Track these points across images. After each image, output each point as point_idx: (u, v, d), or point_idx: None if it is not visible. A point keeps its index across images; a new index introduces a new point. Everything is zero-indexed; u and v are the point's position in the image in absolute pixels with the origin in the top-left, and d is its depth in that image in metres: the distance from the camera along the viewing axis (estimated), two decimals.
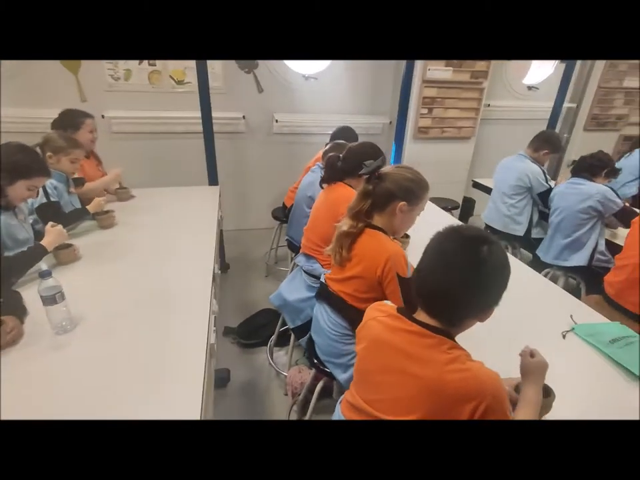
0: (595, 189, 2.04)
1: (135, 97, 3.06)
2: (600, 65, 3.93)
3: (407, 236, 1.76)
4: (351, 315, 1.21)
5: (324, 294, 1.32)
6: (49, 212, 1.75)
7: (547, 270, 2.36)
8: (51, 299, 1.13)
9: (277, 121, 3.27)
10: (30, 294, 1.27)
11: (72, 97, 2.91)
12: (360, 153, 1.46)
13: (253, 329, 2.28)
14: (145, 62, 3.01)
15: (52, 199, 1.80)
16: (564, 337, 1.29)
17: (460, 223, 1.72)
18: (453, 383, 0.72)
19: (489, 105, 3.67)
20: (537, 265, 2.39)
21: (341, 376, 1.25)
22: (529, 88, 3.91)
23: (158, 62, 3.02)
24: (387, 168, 1.21)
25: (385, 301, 0.94)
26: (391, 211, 1.18)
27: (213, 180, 2.70)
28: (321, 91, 3.36)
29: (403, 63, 2.95)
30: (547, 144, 2.41)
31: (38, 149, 1.80)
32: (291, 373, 1.87)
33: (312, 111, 3.40)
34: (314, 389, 1.47)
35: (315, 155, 2.44)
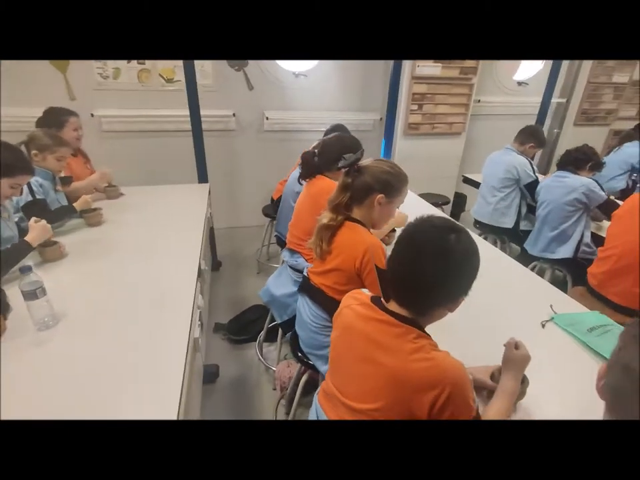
0: (579, 182, 2.06)
1: (125, 95, 3.06)
2: (589, 60, 3.95)
3: (394, 230, 1.77)
4: (332, 307, 1.21)
5: (306, 287, 1.33)
6: (35, 210, 1.75)
7: (534, 263, 2.38)
8: (31, 294, 1.14)
9: (267, 118, 3.28)
10: (15, 291, 1.27)
11: (61, 95, 2.91)
12: (338, 147, 1.48)
13: (243, 325, 2.29)
14: (134, 60, 3.01)
15: (38, 197, 1.81)
16: (543, 326, 1.31)
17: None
18: (416, 372, 0.73)
19: (479, 100, 3.69)
20: (525, 258, 2.41)
21: (323, 368, 1.26)
22: (519, 84, 3.93)
23: (147, 60, 3.02)
24: (366, 161, 1.22)
25: (363, 289, 0.94)
26: (369, 204, 1.19)
27: (202, 177, 2.71)
28: (311, 88, 3.36)
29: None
30: (532, 137, 2.44)
31: (23, 147, 1.81)
32: (279, 367, 1.88)
33: (302, 108, 3.40)
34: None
35: None
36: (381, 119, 3.54)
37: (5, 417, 0.86)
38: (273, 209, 2.68)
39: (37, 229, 1.53)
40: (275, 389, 1.89)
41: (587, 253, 2.10)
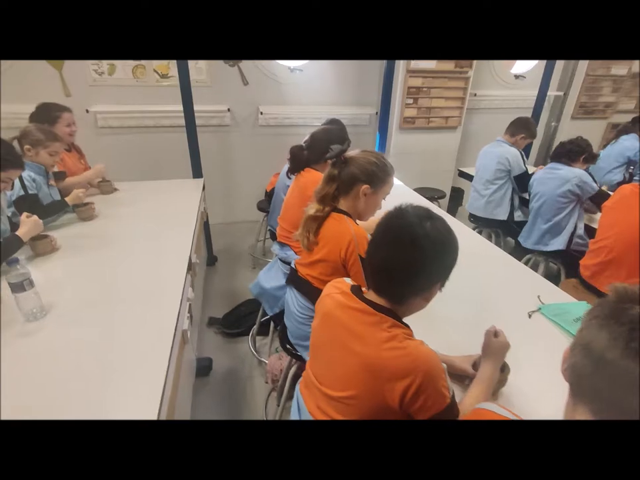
0: (572, 173, 2.05)
1: (120, 91, 3.06)
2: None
3: None
4: (318, 298, 1.22)
5: (293, 279, 1.34)
6: (27, 204, 1.76)
7: (529, 256, 2.38)
8: (19, 286, 1.15)
9: (261, 113, 3.28)
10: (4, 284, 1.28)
11: (56, 92, 2.91)
12: (325, 139, 1.48)
13: (237, 319, 2.30)
14: None
15: (30, 192, 1.81)
16: (530, 316, 1.31)
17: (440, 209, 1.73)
18: (388, 360, 0.74)
19: (475, 94, 3.67)
20: (520, 251, 2.41)
21: (308, 358, 1.27)
22: (516, 77, 3.90)
23: None
24: (352, 152, 1.22)
25: (345, 279, 0.95)
26: (355, 195, 1.19)
27: (197, 173, 2.71)
28: (307, 83, 3.36)
29: None
30: (522, 128, 2.45)
31: (16, 142, 1.81)
32: (271, 360, 1.89)
33: (297, 103, 3.40)
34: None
35: None
36: (376, 113, 3.53)
37: None
38: (267, 203, 2.68)
39: (28, 224, 1.54)
40: (267, 382, 1.90)
41: (579, 245, 2.10)
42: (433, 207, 2.35)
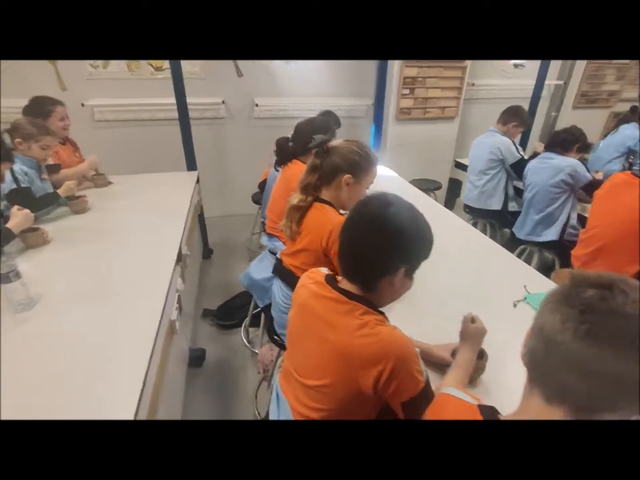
0: (565, 163, 2.03)
1: (116, 84, 3.06)
2: None
3: None
4: None
5: (278, 269, 1.34)
6: (20, 198, 1.78)
7: (522, 246, 2.37)
8: (5, 278, 1.16)
9: (257, 105, 3.26)
10: None
11: (52, 86, 2.92)
12: (309, 129, 1.47)
13: (231, 311, 2.32)
14: None
15: (22, 185, 1.83)
16: (515, 306, 1.31)
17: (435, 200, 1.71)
18: (361, 347, 0.74)
19: (473, 84, 3.63)
20: (515, 242, 2.40)
21: None
22: (515, 66, 3.85)
23: None
24: (335, 142, 1.22)
25: (321, 268, 0.95)
26: (337, 184, 1.19)
27: (191, 165, 2.71)
28: (302, 74, 3.33)
29: None
30: (514, 116, 2.42)
31: (6, 136, 1.83)
32: (262, 350, 1.90)
33: (293, 95, 3.38)
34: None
35: None
36: (373, 104, 3.51)
37: None
38: (261, 195, 2.68)
39: (19, 216, 1.55)
40: (259, 372, 1.92)
41: (573, 235, 2.09)
42: (425, 199, 2.37)
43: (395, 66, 3.14)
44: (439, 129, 3.54)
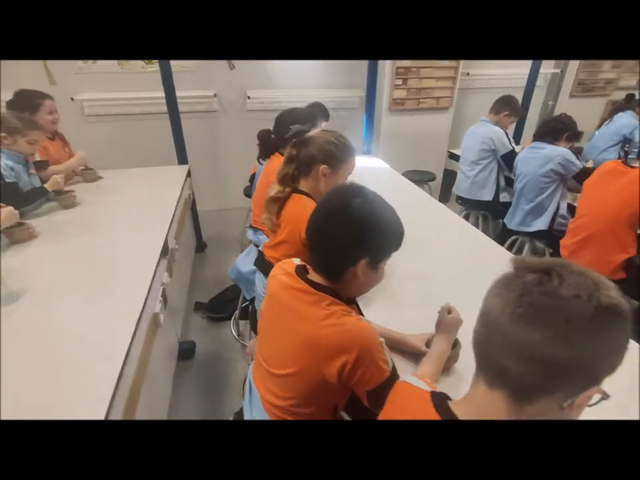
0: (555, 152, 2.01)
1: (105, 78, 3.05)
2: None
3: None
4: None
5: (259, 262, 1.35)
6: (8, 193, 1.78)
7: (514, 237, 2.36)
8: None
9: (249, 97, 3.24)
10: None
11: (41, 80, 2.90)
12: (286, 120, 1.46)
13: (222, 304, 2.33)
14: None
15: (8, 181, 1.83)
16: None
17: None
18: (325, 338, 0.75)
19: (468, 73, 3.58)
20: (506, 233, 2.39)
21: None
22: None
23: None
24: (312, 132, 1.21)
25: (293, 259, 0.95)
26: (314, 175, 1.19)
27: (182, 159, 2.71)
28: (294, 66, 3.30)
29: None
30: (506, 106, 2.40)
31: None
32: (251, 342, 1.91)
33: (285, 86, 3.35)
34: None
35: None
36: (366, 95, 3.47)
37: None
38: (251, 188, 2.68)
39: (3, 213, 1.55)
40: (248, 364, 1.93)
41: (562, 225, 2.07)
42: (416, 192, 2.35)
43: None
44: (433, 119, 3.51)
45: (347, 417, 1.00)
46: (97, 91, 3.05)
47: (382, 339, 0.79)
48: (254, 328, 1.43)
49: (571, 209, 2.12)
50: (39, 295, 1.28)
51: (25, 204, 1.84)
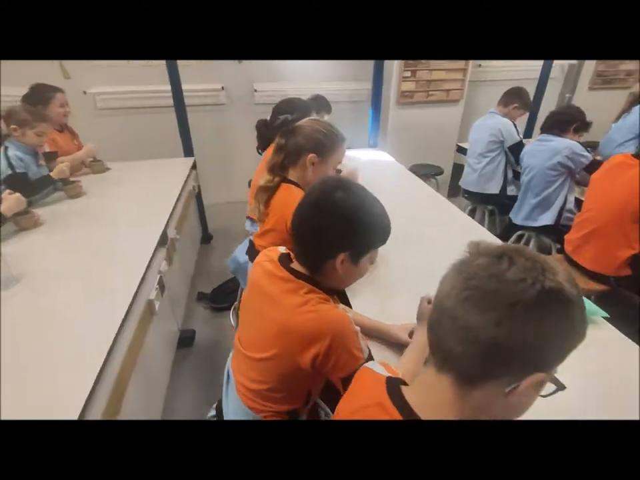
0: (562, 145, 1.95)
1: (117, 72, 3.10)
2: None
3: None
4: None
5: (250, 251, 1.36)
6: (17, 182, 1.85)
7: (520, 232, 2.30)
8: None
9: (256, 90, 3.25)
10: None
11: (55, 74, 2.98)
12: (276, 110, 1.46)
13: (224, 294, 2.36)
14: None
15: (18, 171, 1.89)
16: None
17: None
18: (300, 324, 0.75)
19: (479, 65, 3.50)
20: (513, 228, 2.34)
21: None
22: None
23: None
24: (301, 121, 1.21)
25: (279, 247, 0.96)
26: (303, 164, 1.18)
27: (188, 151, 2.74)
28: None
29: None
30: (515, 98, 2.33)
31: (2, 122, 1.89)
32: None
33: (293, 79, 3.34)
34: None
35: None
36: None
37: None
38: None
39: (10, 200, 1.61)
40: None
41: (569, 219, 2.01)
42: (420, 186, 2.31)
43: None
44: (442, 112, 3.45)
45: (322, 404, 1.00)
46: (109, 85, 3.12)
47: (357, 328, 0.79)
48: None
49: (579, 204, 2.05)
50: (36, 280, 1.32)
51: (33, 193, 1.91)
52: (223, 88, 3.24)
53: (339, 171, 2.03)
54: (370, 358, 0.79)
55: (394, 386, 0.54)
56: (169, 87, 2.97)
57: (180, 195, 2.14)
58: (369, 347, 0.82)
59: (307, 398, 0.86)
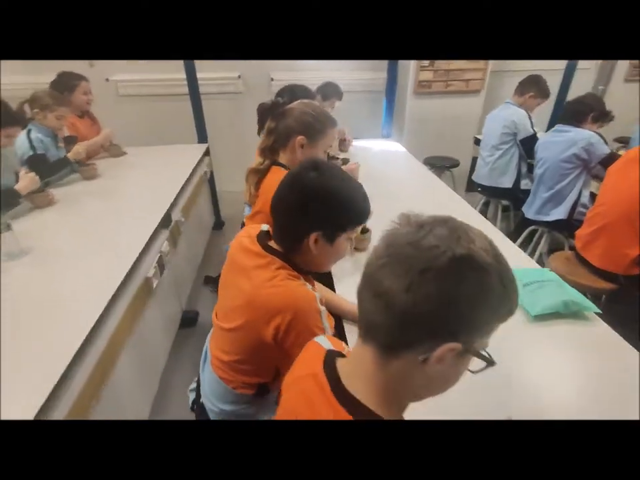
0: (580, 136, 1.85)
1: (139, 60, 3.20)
2: None
3: None
4: None
5: None
6: (37, 162, 1.96)
7: (532, 227, 2.21)
8: None
9: (272, 79, 3.26)
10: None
11: (80, 61, 3.10)
12: (279, 96, 1.46)
13: None
14: None
15: (39, 152, 2.00)
16: None
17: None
18: (264, 297, 0.77)
19: None
20: (526, 223, 2.25)
21: None
22: None
23: None
24: (292, 104, 1.21)
25: (263, 225, 0.97)
26: (292, 147, 1.19)
27: (202, 138, 2.80)
28: None
29: None
30: (531, 85, 2.23)
31: (27, 105, 2.00)
32: None
33: (309, 68, 3.33)
34: None
35: None
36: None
37: None
38: None
39: (25, 179, 1.71)
40: None
41: (583, 215, 1.91)
42: (430, 178, 2.25)
43: None
44: (462, 103, 3.34)
45: None
46: (130, 73, 3.21)
47: (323, 308, 0.79)
48: None
49: (594, 198, 1.95)
50: (42, 254, 1.40)
51: (51, 173, 2.01)
52: (239, 76, 3.28)
53: (344, 161, 2.02)
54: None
55: (330, 357, 0.54)
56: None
57: (189, 179, 2.20)
58: (348, 330, 0.82)
59: (275, 373, 0.87)
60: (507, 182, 2.35)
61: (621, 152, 2.11)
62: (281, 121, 1.17)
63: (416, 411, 0.53)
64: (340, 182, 0.81)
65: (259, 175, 1.23)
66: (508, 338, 1.05)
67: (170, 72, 3.22)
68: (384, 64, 3.37)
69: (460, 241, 0.41)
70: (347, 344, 0.74)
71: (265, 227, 0.96)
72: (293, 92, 1.54)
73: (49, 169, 1.99)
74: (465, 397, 0.72)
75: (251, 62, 3.26)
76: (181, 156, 2.56)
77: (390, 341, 0.45)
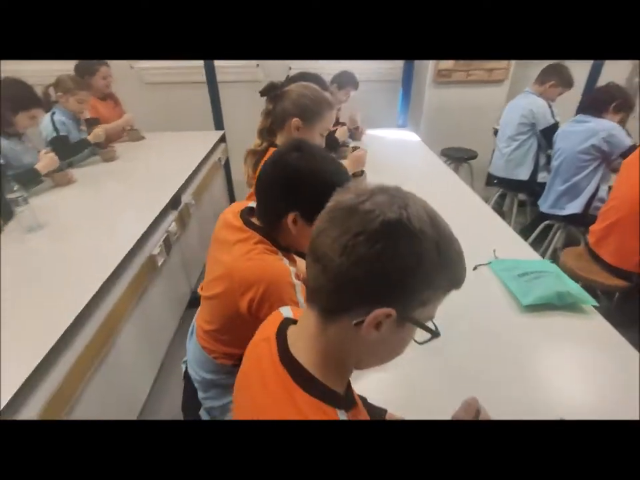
0: (600, 126, 1.76)
1: None
2: None
3: (362, 172, 1.72)
4: None
5: None
6: (59, 143, 2.07)
7: (547, 222, 2.13)
8: (14, 203, 1.39)
9: (290, 68, 3.26)
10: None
11: None
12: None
13: None
14: None
15: (61, 133, 2.10)
16: (475, 268, 1.23)
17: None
18: (242, 269, 0.79)
19: None
20: (540, 217, 2.18)
21: None
22: None
23: None
24: (289, 86, 1.22)
25: (250, 202, 0.99)
26: (288, 129, 1.20)
27: (218, 125, 2.85)
28: None
29: None
30: (552, 74, 2.12)
31: (51, 89, 2.11)
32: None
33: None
34: None
35: None
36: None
37: None
38: None
39: (45, 159, 1.80)
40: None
41: (599, 209, 1.83)
42: (440, 169, 2.20)
43: None
44: (484, 93, 3.22)
45: None
46: (154, 59, 3.29)
47: (298, 282, 0.80)
48: None
49: None
50: (57, 228, 1.49)
51: (72, 154, 2.12)
52: (257, 65, 3.30)
53: (353, 149, 2.00)
54: None
55: (285, 324, 0.56)
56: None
57: (201, 164, 2.25)
58: None
59: None
60: (523, 174, 2.26)
61: None
62: (279, 102, 1.18)
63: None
64: (320, 164, 0.81)
65: (256, 156, 1.25)
66: (499, 328, 1.05)
67: (191, 59, 3.29)
68: None
69: (392, 207, 0.41)
70: None
71: (253, 203, 0.98)
72: (304, 79, 1.54)
73: (69, 150, 2.09)
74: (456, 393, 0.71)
75: None
76: (196, 142, 2.61)
77: (329, 305, 0.46)
